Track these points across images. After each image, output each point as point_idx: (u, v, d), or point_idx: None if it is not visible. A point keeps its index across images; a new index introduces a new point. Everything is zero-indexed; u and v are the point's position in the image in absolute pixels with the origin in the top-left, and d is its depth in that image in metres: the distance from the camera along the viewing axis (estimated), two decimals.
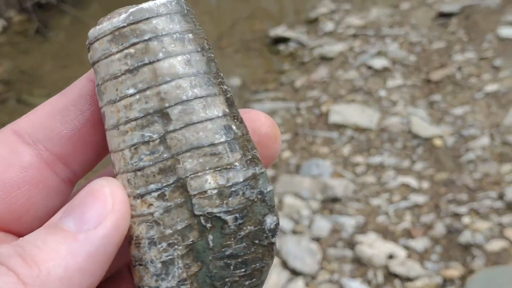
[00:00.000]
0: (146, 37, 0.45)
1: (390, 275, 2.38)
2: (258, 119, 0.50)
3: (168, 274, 0.45)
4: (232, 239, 0.45)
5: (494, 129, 3.08)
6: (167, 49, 0.45)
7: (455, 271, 2.34)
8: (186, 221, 0.45)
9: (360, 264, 2.44)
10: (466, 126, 3.16)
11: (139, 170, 0.45)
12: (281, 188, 2.91)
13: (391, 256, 2.43)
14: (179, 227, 0.45)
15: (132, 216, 0.45)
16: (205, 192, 0.45)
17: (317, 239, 2.58)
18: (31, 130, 0.48)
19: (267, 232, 0.47)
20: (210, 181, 0.45)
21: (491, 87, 3.40)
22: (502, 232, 2.44)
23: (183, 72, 0.45)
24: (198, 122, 0.45)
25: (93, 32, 0.46)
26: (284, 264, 2.47)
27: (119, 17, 0.45)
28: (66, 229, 0.42)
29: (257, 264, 0.47)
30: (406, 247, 2.48)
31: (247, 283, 0.47)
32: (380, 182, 2.90)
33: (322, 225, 2.63)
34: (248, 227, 0.46)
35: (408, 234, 2.56)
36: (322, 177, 2.94)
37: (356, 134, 3.28)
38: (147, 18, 0.45)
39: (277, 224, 0.47)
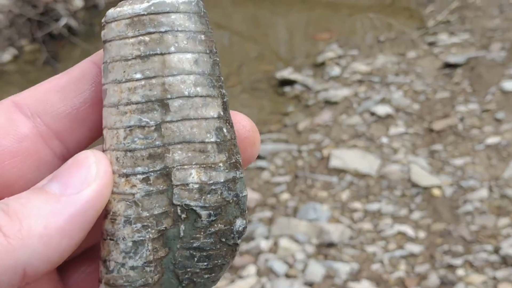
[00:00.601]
0: (162, 29, 0.47)
1: None
2: (240, 122, 0.52)
3: (136, 253, 0.47)
4: (202, 233, 0.48)
5: (493, 182, 3.07)
6: (180, 45, 0.47)
7: None
8: (164, 208, 0.47)
9: None
10: (465, 177, 3.16)
11: (130, 151, 0.47)
12: (277, 230, 2.90)
13: None
14: (156, 212, 0.47)
15: (113, 193, 0.47)
16: (187, 185, 0.47)
17: (310, 284, 2.56)
18: (31, 103, 0.50)
19: (234, 233, 0.49)
20: (194, 176, 0.47)
21: (492, 140, 3.41)
22: (496, 287, 2.42)
23: (190, 69, 0.47)
24: (194, 119, 0.47)
25: (112, 13, 0.48)
26: None
27: (140, 5, 0.47)
28: (50, 192, 0.44)
29: (219, 261, 0.49)
30: None
31: (206, 276, 0.49)
32: (377, 229, 2.89)
33: (316, 270, 2.62)
34: (219, 225, 0.48)
35: (402, 283, 2.54)
36: (319, 222, 2.94)
37: (356, 180, 3.28)
38: (167, 12, 0.48)
39: (245, 227, 0.50)
